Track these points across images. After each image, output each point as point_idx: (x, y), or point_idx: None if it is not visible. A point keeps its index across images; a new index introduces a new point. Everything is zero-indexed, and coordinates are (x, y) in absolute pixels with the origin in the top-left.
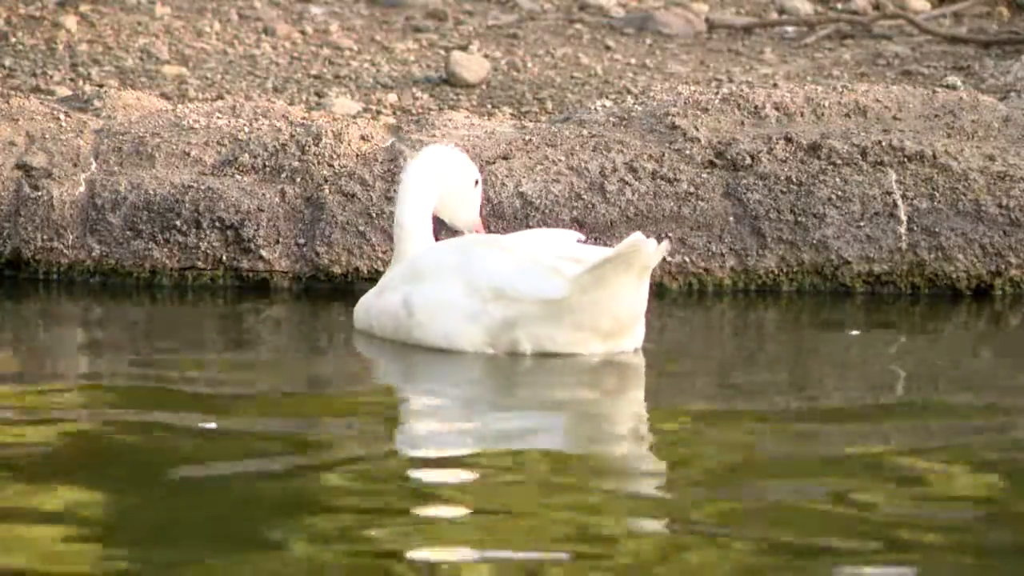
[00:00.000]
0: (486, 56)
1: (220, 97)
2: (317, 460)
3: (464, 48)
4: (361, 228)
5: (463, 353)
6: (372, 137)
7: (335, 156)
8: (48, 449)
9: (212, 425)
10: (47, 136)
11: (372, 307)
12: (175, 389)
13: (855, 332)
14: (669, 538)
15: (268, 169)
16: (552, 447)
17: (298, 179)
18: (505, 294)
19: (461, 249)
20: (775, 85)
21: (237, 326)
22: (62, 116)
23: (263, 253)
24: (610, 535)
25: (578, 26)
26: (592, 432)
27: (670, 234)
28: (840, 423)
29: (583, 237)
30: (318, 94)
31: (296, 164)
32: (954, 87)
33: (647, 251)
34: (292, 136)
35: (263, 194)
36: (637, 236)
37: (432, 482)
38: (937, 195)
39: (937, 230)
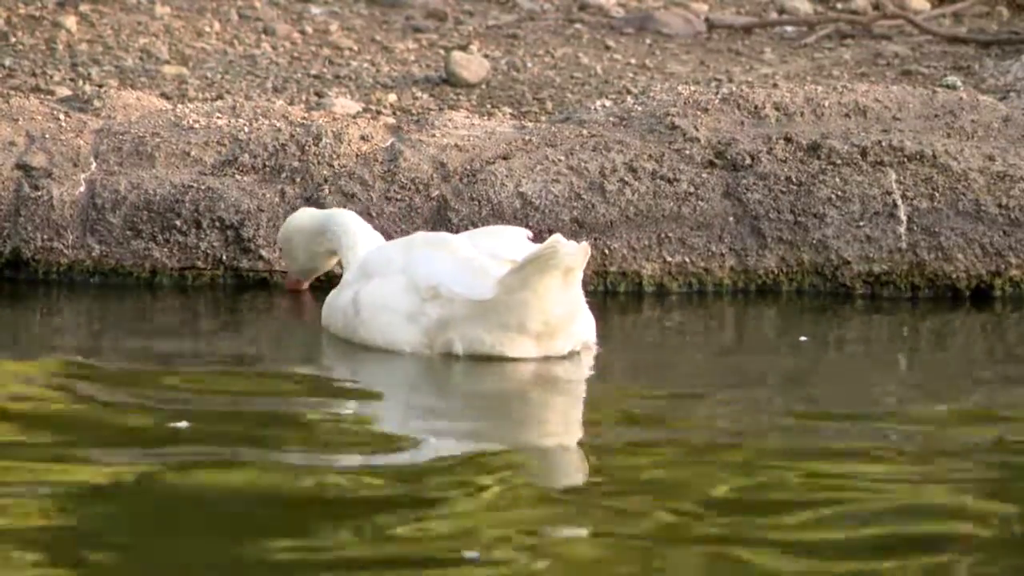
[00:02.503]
0: (486, 56)
1: (220, 97)
2: (274, 466)
3: (464, 48)
4: None
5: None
6: (372, 137)
7: (335, 156)
8: (31, 450)
9: (183, 424)
10: (47, 136)
11: (331, 304)
12: (162, 389)
13: (803, 338)
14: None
15: (268, 169)
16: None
17: (298, 179)
18: (440, 294)
19: (408, 247)
20: (775, 85)
21: (234, 326)
22: (62, 116)
23: (263, 253)
24: (533, 537)
25: (578, 26)
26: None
27: (670, 234)
28: (762, 434)
29: (531, 235)
30: (318, 94)
31: (296, 164)
32: (954, 87)
33: (564, 253)
34: (292, 136)
35: (263, 194)
36: (555, 238)
37: (399, 491)
38: (937, 195)
39: (937, 230)
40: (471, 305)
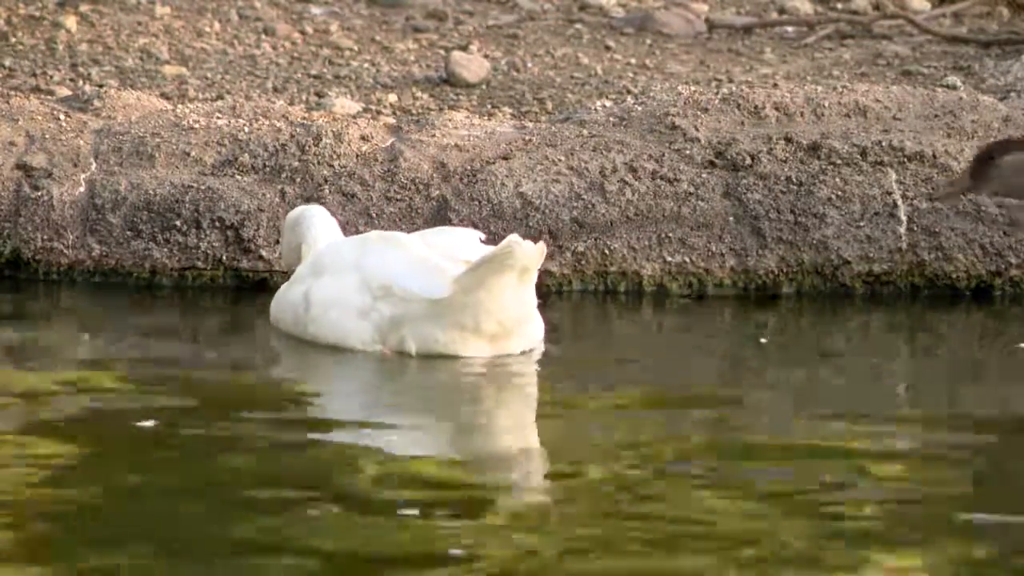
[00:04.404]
0: (486, 56)
1: (220, 97)
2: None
3: (464, 48)
4: (361, 228)
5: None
6: (372, 137)
7: (335, 156)
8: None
9: (149, 423)
10: (47, 136)
11: (281, 299)
12: (150, 389)
13: (763, 340)
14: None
15: (268, 169)
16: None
17: (298, 179)
18: (393, 292)
19: (360, 245)
20: (775, 85)
21: (234, 327)
22: (62, 116)
23: (263, 253)
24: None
25: (578, 26)
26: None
27: (670, 234)
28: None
29: (484, 236)
30: (318, 94)
31: (296, 164)
32: (954, 87)
33: (522, 252)
34: (292, 136)
35: (263, 194)
36: (512, 237)
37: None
38: None
39: (937, 230)
40: (426, 304)
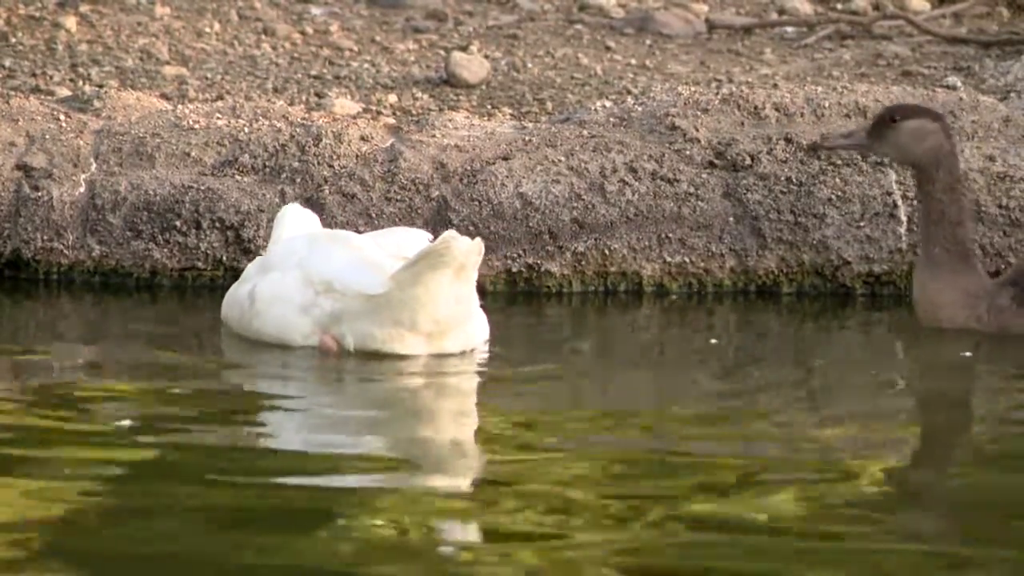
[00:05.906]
0: (486, 57)
1: (220, 98)
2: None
3: (464, 49)
4: (361, 229)
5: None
6: (372, 138)
7: (335, 157)
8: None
9: (126, 423)
10: (47, 136)
11: (230, 297)
12: (147, 390)
13: (714, 341)
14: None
15: (268, 170)
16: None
17: (298, 180)
18: (333, 288)
19: (308, 243)
20: (775, 85)
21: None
22: (62, 116)
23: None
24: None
25: (578, 27)
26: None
27: (670, 234)
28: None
29: (431, 237)
30: (318, 94)
31: (296, 165)
32: (954, 87)
33: (457, 249)
34: (292, 136)
35: (263, 194)
36: (449, 233)
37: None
38: None
39: None
40: (363, 299)
